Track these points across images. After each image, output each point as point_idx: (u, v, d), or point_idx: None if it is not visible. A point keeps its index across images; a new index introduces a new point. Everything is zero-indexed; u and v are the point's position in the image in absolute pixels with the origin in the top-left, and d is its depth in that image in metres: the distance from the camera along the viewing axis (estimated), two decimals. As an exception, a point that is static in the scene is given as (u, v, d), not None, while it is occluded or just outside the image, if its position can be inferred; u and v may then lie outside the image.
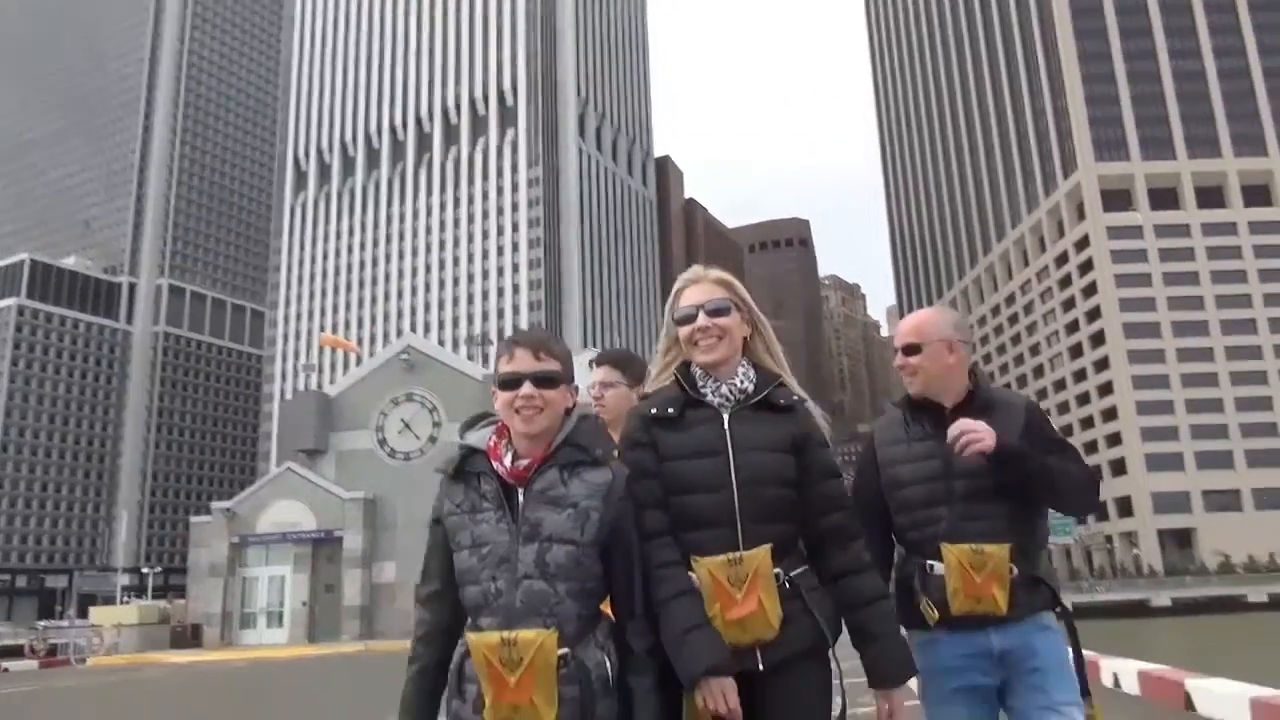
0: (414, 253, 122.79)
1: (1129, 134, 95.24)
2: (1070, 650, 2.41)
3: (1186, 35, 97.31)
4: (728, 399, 2.13)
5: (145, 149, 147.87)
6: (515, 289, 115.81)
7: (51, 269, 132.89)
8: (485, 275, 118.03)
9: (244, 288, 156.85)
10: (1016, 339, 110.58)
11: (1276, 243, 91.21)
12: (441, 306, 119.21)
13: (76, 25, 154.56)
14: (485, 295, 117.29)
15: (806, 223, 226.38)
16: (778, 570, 2.00)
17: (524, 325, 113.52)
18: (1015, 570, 2.35)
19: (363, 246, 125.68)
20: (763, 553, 1.99)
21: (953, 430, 2.36)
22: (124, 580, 77.05)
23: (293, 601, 34.61)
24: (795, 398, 2.15)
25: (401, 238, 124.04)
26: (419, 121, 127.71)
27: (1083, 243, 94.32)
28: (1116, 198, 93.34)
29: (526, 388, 1.88)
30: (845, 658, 2.12)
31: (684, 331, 2.19)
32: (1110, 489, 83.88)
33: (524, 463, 1.90)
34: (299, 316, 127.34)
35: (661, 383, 2.24)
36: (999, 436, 2.33)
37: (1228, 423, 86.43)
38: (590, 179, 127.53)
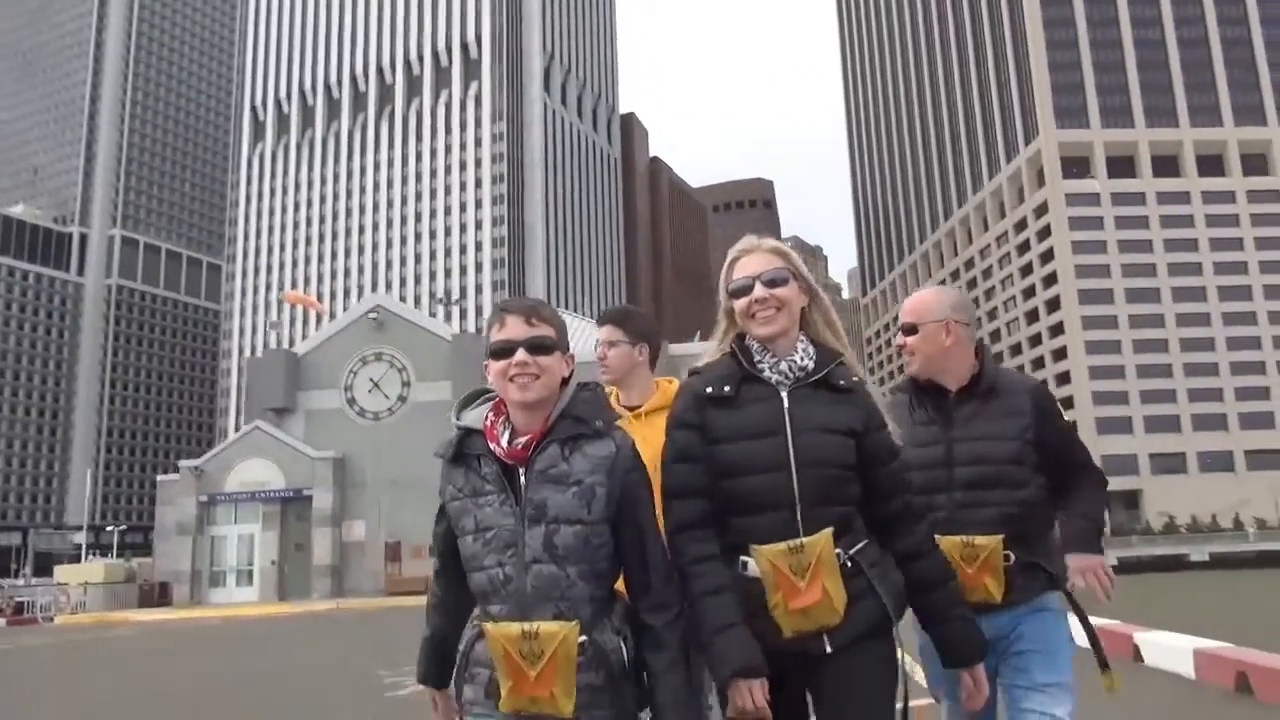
0: (375, 207, 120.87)
1: (1089, 101, 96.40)
2: (1075, 628, 2.44)
3: (1149, 3, 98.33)
4: (786, 376, 2.06)
5: (95, 93, 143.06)
6: (478, 246, 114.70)
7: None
8: (448, 232, 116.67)
9: (200, 240, 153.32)
10: (975, 303, 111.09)
11: (1227, 212, 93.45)
12: (403, 263, 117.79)
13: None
14: (448, 252, 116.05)
15: (770, 184, 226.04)
16: (838, 550, 1.95)
17: (487, 282, 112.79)
18: (1012, 558, 2.33)
19: (323, 200, 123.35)
20: (825, 538, 1.93)
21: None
22: (82, 538, 76.19)
23: (262, 560, 34.69)
24: (856, 379, 2.08)
25: (363, 192, 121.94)
26: (380, 72, 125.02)
27: (1041, 209, 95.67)
28: (1076, 165, 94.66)
29: (520, 354, 1.82)
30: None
31: (740, 304, 2.10)
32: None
33: (521, 441, 1.83)
34: (257, 271, 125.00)
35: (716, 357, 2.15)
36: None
37: (1176, 388, 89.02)
38: (555, 134, 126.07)
